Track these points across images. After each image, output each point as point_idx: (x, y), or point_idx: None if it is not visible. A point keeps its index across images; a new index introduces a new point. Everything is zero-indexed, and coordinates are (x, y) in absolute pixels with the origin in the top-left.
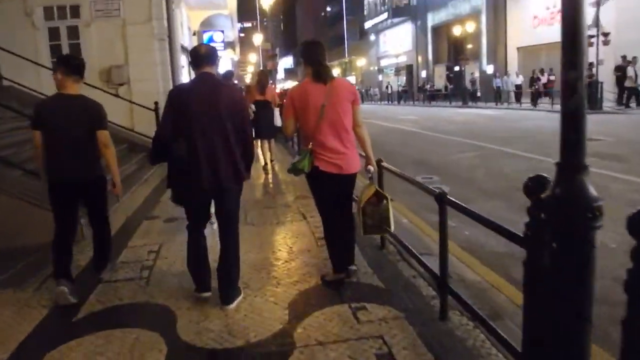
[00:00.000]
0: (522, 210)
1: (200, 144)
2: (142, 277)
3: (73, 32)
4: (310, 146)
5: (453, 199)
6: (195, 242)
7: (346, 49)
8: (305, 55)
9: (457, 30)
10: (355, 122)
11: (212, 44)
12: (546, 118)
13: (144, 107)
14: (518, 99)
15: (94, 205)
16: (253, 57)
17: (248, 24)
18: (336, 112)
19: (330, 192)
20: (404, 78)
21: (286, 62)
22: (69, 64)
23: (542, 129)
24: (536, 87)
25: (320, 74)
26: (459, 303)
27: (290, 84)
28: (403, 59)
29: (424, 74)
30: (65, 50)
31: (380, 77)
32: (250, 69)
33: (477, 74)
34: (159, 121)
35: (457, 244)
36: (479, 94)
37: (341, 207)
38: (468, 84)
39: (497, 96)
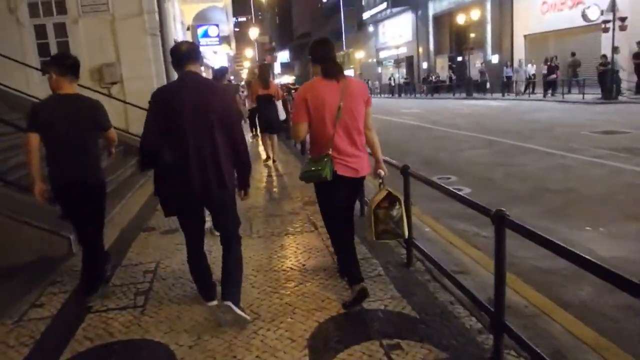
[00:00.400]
0: (558, 216)
1: (188, 151)
2: (137, 304)
3: (60, 29)
4: (330, 152)
5: (516, 221)
6: (195, 260)
7: (344, 42)
8: (313, 53)
9: (460, 19)
10: (366, 125)
11: (207, 39)
12: (558, 109)
13: (138, 107)
14: (532, 89)
15: (91, 211)
16: (249, 52)
17: (243, 19)
18: (352, 113)
19: (343, 197)
20: (404, 70)
21: (282, 56)
22: (63, 63)
23: (557, 121)
24: (555, 76)
25: (331, 71)
26: (516, 342)
27: (287, 79)
28: (403, 50)
29: (425, 65)
30: (53, 49)
31: (379, 70)
32: (247, 64)
33: (479, 64)
34: (145, 124)
35: (483, 252)
36: (488, 84)
37: (345, 213)
38: (476, 75)
39: (504, 87)
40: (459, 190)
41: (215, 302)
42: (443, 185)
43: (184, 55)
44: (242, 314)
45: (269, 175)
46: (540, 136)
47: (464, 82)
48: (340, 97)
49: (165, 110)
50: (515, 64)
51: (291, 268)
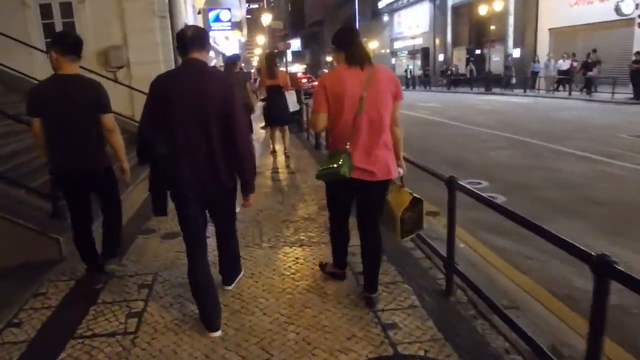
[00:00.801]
0: (613, 234)
1: (184, 142)
2: (127, 330)
3: (67, 9)
4: (347, 146)
5: (624, 270)
6: (196, 275)
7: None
8: (336, 40)
9: (480, 10)
10: (393, 121)
11: (218, 24)
12: (586, 108)
13: (145, 93)
14: (564, 86)
15: (103, 193)
16: (261, 39)
17: (255, 5)
18: (376, 106)
19: (351, 199)
20: (419, 61)
21: (294, 44)
22: (64, 42)
23: (589, 122)
24: (592, 72)
25: (354, 56)
26: None
27: (298, 67)
28: (419, 41)
29: (441, 57)
30: (59, 29)
31: (393, 61)
32: (258, 51)
33: (497, 58)
34: (142, 113)
35: (532, 279)
36: (514, 80)
37: (366, 220)
38: (497, 69)
39: (527, 82)
40: (493, 198)
41: (219, 334)
42: (515, 211)
43: (189, 40)
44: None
45: (280, 172)
46: (574, 138)
47: (482, 76)
48: (364, 87)
49: (160, 99)
50: (542, 59)
51: (308, 290)
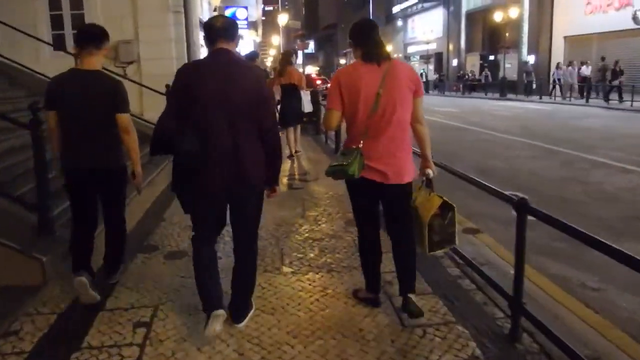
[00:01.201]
0: None
1: (211, 138)
2: None
3: (76, 1)
4: (361, 145)
5: None
6: (203, 257)
7: None
8: (354, 35)
9: (494, 17)
10: (415, 118)
11: None
12: (607, 116)
13: (155, 90)
14: (589, 93)
15: (110, 198)
16: (275, 40)
17: (269, 7)
18: (393, 103)
19: (373, 204)
20: (432, 66)
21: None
22: (84, 33)
23: (614, 130)
24: (619, 81)
25: (372, 52)
26: None
27: (311, 69)
28: (432, 46)
29: (455, 62)
30: (67, 21)
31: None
32: (272, 52)
33: (510, 64)
34: (165, 105)
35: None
36: (534, 85)
37: (394, 230)
38: (514, 75)
39: (544, 89)
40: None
41: (221, 312)
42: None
43: (218, 30)
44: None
45: (298, 179)
46: (603, 147)
47: (497, 82)
48: (380, 83)
49: (186, 91)
50: (563, 65)
51: (343, 334)
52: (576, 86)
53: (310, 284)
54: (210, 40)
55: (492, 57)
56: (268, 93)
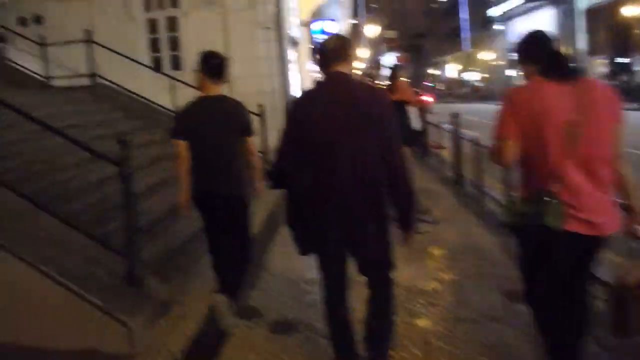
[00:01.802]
0: None
1: (327, 173)
2: None
3: (172, 23)
4: (556, 190)
5: None
6: (334, 310)
7: (466, 41)
8: (525, 49)
9: (623, 12)
10: (614, 152)
11: (323, 37)
12: None
13: (249, 111)
14: None
15: (236, 223)
16: (362, 53)
17: (354, 21)
18: (594, 133)
19: (565, 265)
20: None
21: (392, 57)
22: (209, 63)
23: None
24: None
25: (557, 68)
26: None
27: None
28: None
29: None
30: (164, 44)
31: (510, 72)
32: (360, 65)
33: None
34: (280, 138)
35: None
36: None
37: (573, 288)
38: None
39: None
40: None
41: None
42: None
43: (332, 52)
44: None
45: (418, 219)
46: None
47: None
48: (575, 109)
49: (303, 121)
50: None
51: None
52: None
53: None
54: (323, 63)
55: (621, 60)
56: (391, 114)
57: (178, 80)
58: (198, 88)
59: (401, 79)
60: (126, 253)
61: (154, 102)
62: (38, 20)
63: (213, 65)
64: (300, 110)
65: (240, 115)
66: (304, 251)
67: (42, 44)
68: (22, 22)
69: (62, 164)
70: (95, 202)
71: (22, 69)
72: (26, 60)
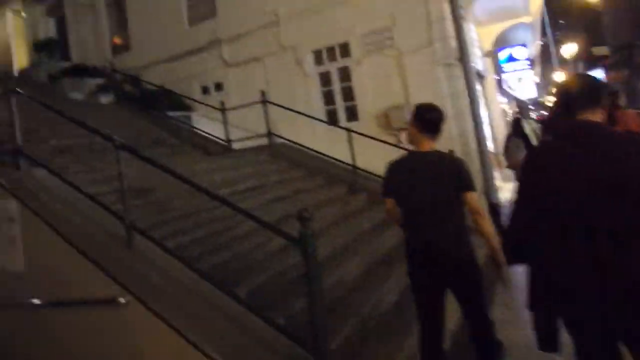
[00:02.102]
0: None
1: (580, 246)
2: None
3: (344, 73)
4: None
5: None
6: None
7: None
8: None
9: None
10: None
11: (512, 64)
12: None
13: None
14: None
15: (466, 293)
16: (555, 76)
17: (540, 42)
18: None
19: None
20: None
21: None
22: (424, 118)
23: None
24: None
25: None
26: None
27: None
28: None
29: None
30: (337, 95)
31: None
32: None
33: None
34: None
35: None
36: None
37: None
38: None
39: None
40: None
41: None
42: None
43: (577, 96)
44: None
45: None
46: None
47: None
48: None
49: (543, 184)
50: None
51: None
52: None
53: None
54: (566, 110)
55: None
56: None
57: (354, 132)
58: (410, 142)
59: (621, 106)
60: (310, 346)
61: (331, 157)
62: (219, 87)
63: (430, 120)
64: (536, 169)
65: (455, 169)
66: (546, 347)
67: (223, 109)
68: (205, 90)
69: (241, 232)
70: (276, 274)
71: (205, 134)
72: (209, 126)
